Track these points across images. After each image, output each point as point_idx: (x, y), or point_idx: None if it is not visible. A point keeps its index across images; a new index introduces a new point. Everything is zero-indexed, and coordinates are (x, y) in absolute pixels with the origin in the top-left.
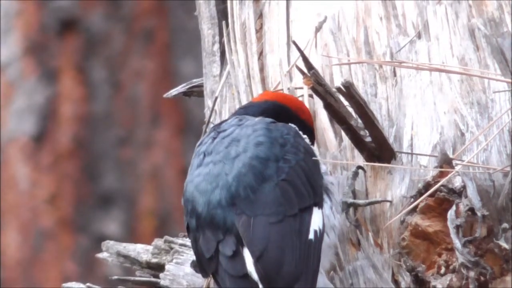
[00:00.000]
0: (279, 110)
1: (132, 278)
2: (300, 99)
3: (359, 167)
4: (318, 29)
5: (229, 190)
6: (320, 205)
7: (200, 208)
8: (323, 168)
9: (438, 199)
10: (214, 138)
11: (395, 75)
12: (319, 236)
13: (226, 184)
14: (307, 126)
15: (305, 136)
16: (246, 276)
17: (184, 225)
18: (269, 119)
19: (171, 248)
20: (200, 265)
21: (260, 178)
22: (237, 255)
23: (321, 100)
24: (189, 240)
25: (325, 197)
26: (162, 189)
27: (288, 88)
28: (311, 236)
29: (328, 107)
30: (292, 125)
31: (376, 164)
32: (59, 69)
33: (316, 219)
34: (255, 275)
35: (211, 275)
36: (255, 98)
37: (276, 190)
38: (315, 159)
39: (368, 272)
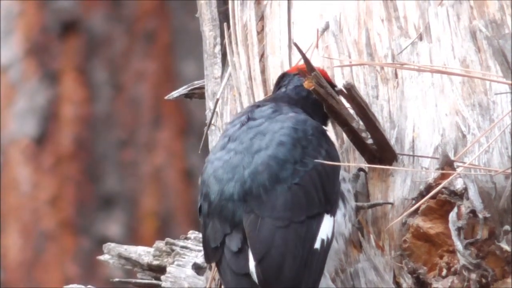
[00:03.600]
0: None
1: (133, 280)
2: None
3: (361, 169)
4: (320, 34)
5: (243, 185)
6: (332, 212)
7: (212, 195)
8: (343, 174)
9: (440, 201)
10: (243, 125)
11: (396, 77)
12: (326, 245)
13: (241, 178)
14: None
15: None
16: (248, 275)
17: (197, 206)
18: (302, 116)
19: (173, 250)
20: (205, 251)
21: (274, 179)
22: (241, 252)
23: (322, 102)
24: (191, 243)
25: (340, 203)
26: (163, 191)
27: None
28: (317, 245)
29: (330, 109)
30: (320, 126)
31: (378, 166)
32: (61, 71)
33: (326, 227)
34: (255, 277)
35: (214, 264)
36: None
37: (287, 194)
38: (323, 162)
39: (369, 274)
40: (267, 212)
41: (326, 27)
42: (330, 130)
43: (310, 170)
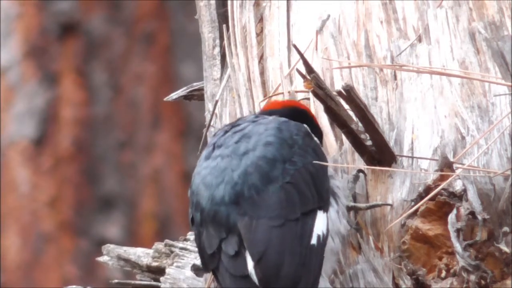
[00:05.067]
0: (298, 115)
1: (132, 281)
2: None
3: (360, 171)
4: (321, 26)
5: (234, 187)
6: (325, 208)
7: (204, 202)
8: (330, 171)
9: (439, 203)
10: (226, 132)
11: (395, 78)
12: (322, 240)
13: (231, 181)
14: (319, 130)
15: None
16: (247, 277)
17: (189, 218)
18: (282, 118)
19: (172, 252)
20: (202, 260)
21: (266, 179)
22: (239, 255)
23: (321, 103)
24: (190, 244)
25: (332, 200)
26: (162, 192)
27: (289, 92)
28: (313, 241)
29: (329, 110)
30: (304, 125)
31: (377, 167)
32: (60, 73)
33: (320, 224)
34: (254, 278)
35: (211, 272)
36: (267, 106)
37: (280, 192)
38: (318, 163)
39: (368, 276)
40: (262, 212)
41: (326, 20)
42: (329, 132)
43: (300, 169)
